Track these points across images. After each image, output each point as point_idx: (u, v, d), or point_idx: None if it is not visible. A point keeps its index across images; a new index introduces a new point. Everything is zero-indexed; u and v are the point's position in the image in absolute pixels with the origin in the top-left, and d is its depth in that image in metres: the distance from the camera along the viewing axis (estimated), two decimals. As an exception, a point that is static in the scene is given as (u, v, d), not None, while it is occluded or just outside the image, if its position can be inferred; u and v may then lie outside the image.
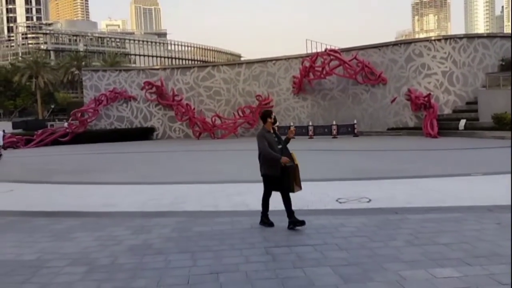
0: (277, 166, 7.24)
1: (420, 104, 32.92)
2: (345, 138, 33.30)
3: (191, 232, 7.41)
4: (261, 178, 7.67)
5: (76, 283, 5.26)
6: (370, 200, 9.43)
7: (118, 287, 5.09)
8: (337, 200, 9.61)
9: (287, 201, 7.37)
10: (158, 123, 45.61)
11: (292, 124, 38.26)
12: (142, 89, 44.64)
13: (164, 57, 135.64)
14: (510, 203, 8.49)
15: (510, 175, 12.06)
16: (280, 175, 7.28)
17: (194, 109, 43.52)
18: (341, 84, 38.57)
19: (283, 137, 7.68)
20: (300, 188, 7.52)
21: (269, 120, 7.47)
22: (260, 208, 7.77)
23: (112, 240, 7.07)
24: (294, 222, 7.28)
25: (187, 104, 43.40)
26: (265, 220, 7.69)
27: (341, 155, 21.26)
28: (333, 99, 39.13)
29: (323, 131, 35.99)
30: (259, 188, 12.05)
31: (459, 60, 34.55)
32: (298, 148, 26.31)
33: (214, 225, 7.85)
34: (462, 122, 30.39)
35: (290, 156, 7.37)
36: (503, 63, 33.76)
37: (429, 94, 32.79)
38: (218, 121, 41.91)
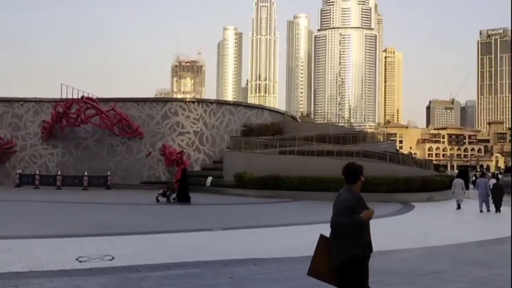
0: (364, 236, 4.90)
1: (173, 160, 34.32)
2: (97, 190, 31.92)
3: None
4: None
5: None
6: (113, 258, 9.05)
7: None
8: (77, 259, 8.91)
9: None
10: None
11: (37, 172, 34.81)
12: None
13: None
14: (307, 254, 9.32)
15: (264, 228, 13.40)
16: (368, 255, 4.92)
17: None
18: (96, 134, 37.34)
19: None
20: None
21: (362, 179, 5.05)
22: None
23: None
24: None
25: None
26: None
27: (89, 209, 20.19)
28: (87, 149, 37.43)
29: (73, 181, 33.79)
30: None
31: (209, 122, 37.82)
32: (44, 199, 24.11)
33: None
34: (209, 179, 32.85)
35: None
36: (245, 129, 38.45)
37: (182, 151, 34.56)
38: None
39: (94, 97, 37.85)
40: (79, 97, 36.81)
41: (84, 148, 37.55)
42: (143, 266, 8.44)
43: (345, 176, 5.01)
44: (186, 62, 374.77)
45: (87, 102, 35.71)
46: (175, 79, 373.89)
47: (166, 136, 36.95)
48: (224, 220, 16.83)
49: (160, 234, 12.39)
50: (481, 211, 21.21)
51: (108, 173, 34.69)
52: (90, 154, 37.20)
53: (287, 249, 10.59)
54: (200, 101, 39.45)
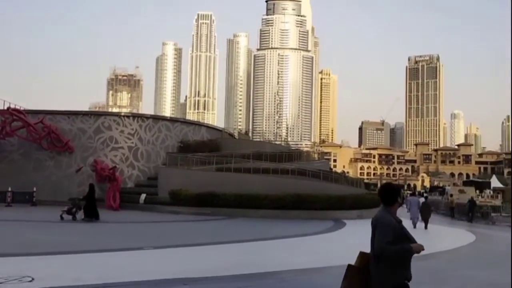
0: (409, 263, 4.63)
1: (105, 176, 33.12)
2: (21, 207, 30.08)
3: None
4: None
5: None
6: (33, 279, 8.49)
7: None
8: (-8, 281, 8.26)
9: None
10: None
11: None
12: None
13: None
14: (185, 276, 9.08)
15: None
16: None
17: None
18: (23, 147, 35.34)
19: None
20: None
21: (399, 201, 4.83)
22: None
23: None
24: None
25: None
26: None
27: (9, 226, 18.95)
28: (12, 163, 35.28)
29: (-5, 197, 31.62)
30: None
31: (145, 138, 36.99)
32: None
33: None
34: (143, 196, 31.93)
35: None
36: (182, 145, 37.96)
37: (115, 167, 33.49)
38: None
39: (22, 108, 36.02)
40: (5, 108, 34.84)
41: (9, 162, 35.41)
42: (68, 287, 7.98)
43: (382, 197, 4.74)
44: (123, 76, 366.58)
45: (13, 113, 33.84)
46: (111, 92, 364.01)
47: (99, 151, 35.68)
48: (156, 238, 16.38)
49: (87, 254, 11.81)
50: (414, 227, 22.27)
51: (34, 189, 32.85)
52: (15, 168, 35.09)
53: (218, 268, 10.45)
54: (136, 116, 38.55)
